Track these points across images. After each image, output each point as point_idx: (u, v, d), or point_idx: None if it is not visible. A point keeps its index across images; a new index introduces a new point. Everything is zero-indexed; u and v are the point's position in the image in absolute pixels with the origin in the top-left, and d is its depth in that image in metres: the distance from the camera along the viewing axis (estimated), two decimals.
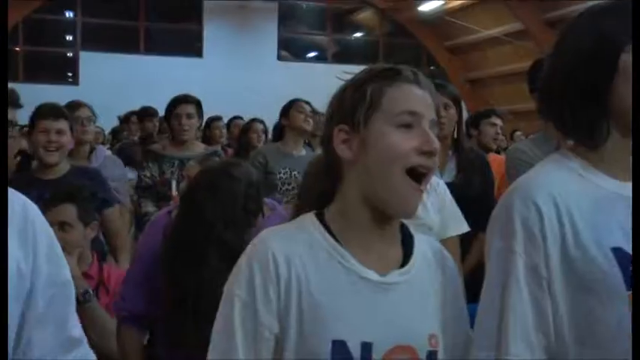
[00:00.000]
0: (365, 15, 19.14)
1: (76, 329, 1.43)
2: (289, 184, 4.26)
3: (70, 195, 2.86)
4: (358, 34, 19.64)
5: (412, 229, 1.48)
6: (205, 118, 7.16)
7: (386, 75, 1.39)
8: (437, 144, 1.35)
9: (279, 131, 4.66)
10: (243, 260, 1.37)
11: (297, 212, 1.52)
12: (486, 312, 1.36)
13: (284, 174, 4.32)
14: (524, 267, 1.31)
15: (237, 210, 2.34)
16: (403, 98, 1.36)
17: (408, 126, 1.35)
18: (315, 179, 1.52)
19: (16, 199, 1.36)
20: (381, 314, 1.34)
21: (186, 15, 17.70)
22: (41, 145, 3.45)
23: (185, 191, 2.59)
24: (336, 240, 1.38)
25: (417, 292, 1.39)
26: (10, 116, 1.21)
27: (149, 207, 4.33)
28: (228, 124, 7.54)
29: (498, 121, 5.22)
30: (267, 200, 2.62)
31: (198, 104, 4.50)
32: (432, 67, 18.48)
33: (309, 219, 1.42)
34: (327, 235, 1.38)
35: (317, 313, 1.31)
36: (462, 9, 16.35)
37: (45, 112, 3.56)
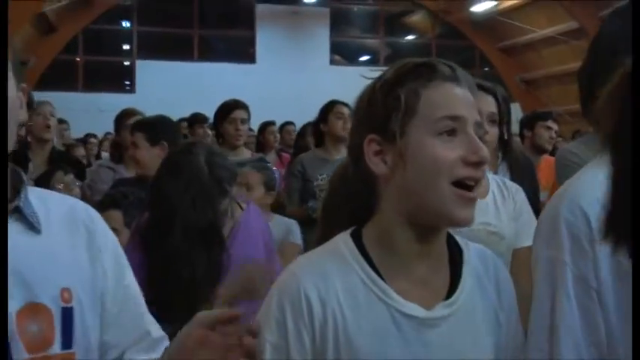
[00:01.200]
0: (417, 17, 19.04)
1: (154, 329, 1.40)
2: None
3: (116, 201, 2.91)
4: (410, 37, 19.54)
5: (460, 239, 1.34)
6: (259, 123, 7.26)
7: (420, 73, 1.24)
8: (485, 152, 1.20)
9: (319, 136, 4.60)
10: (273, 297, 1.23)
11: (323, 231, 1.37)
12: (537, 326, 1.28)
13: (322, 180, 4.26)
14: (573, 278, 1.22)
15: (204, 181, 2.38)
16: (442, 101, 1.21)
17: (450, 132, 1.20)
18: (344, 195, 1.34)
19: (79, 205, 1.37)
20: (427, 354, 1.20)
21: (239, 21, 17.89)
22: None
23: (152, 181, 2.63)
24: (376, 270, 1.23)
25: (466, 324, 1.25)
26: (22, 117, 1.23)
27: None
28: (280, 130, 7.59)
29: (554, 126, 5.13)
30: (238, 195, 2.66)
31: (248, 109, 4.53)
32: (485, 69, 18.28)
33: (345, 243, 1.27)
34: (365, 265, 1.23)
35: (356, 357, 1.19)
36: (515, 9, 16.12)
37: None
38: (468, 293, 1.27)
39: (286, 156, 6.46)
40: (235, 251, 2.40)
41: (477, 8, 16.51)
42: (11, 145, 1.18)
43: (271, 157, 5.97)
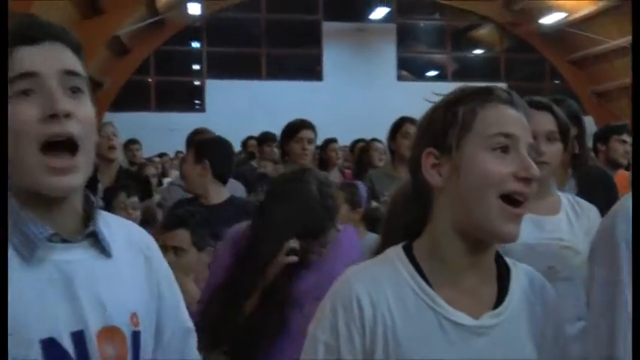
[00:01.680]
0: (484, 31, 18.86)
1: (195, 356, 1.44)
2: None
3: (183, 220, 2.93)
4: (478, 51, 19.37)
5: (508, 260, 1.37)
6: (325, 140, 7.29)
7: (478, 95, 1.30)
8: (536, 170, 1.25)
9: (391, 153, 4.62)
10: (327, 302, 1.31)
11: (383, 244, 1.43)
12: (595, 347, 1.26)
13: (388, 197, 4.21)
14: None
15: (317, 210, 2.29)
16: (497, 119, 1.27)
17: (504, 150, 1.25)
18: (402, 208, 1.42)
19: (136, 229, 1.40)
20: None
21: (306, 40, 18.07)
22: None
23: (258, 203, 2.56)
24: (425, 279, 1.28)
25: (512, 335, 1.28)
26: (95, 138, 1.25)
27: None
28: (352, 148, 7.58)
29: (630, 139, 4.98)
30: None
31: (315, 129, 4.51)
32: (555, 82, 17.94)
33: (396, 254, 1.33)
34: (415, 274, 1.29)
35: (404, 359, 1.24)
36: (585, 20, 15.79)
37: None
38: (515, 306, 1.30)
39: (348, 172, 6.47)
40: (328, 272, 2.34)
41: (546, 20, 16.24)
42: (91, 164, 1.22)
43: (334, 174, 5.97)
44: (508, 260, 1.37)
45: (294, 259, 2.27)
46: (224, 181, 3.58)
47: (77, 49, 1.22)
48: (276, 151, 6.69)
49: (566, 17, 15.91)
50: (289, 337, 2.19)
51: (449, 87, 1.40)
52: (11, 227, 1.16)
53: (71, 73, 1.18)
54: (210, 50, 17.61)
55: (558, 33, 16.74)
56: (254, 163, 6.54)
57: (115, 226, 1.31)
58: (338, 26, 17.63)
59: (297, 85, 16.98)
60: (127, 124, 4.63)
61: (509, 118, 1.28)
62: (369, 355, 1.25)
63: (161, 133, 13.44)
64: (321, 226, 2.29)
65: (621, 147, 4.91)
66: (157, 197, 5.05)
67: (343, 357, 1.25)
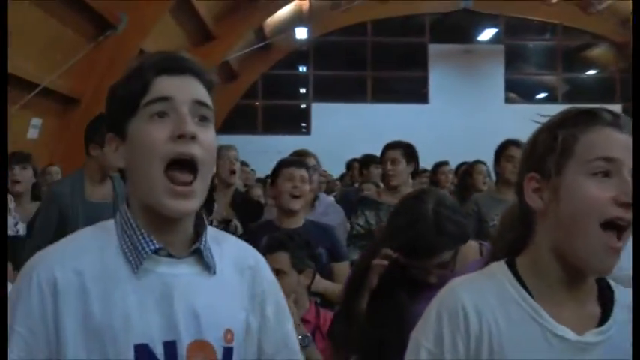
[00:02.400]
0: (598, 51, 18.25)
1: None
2: None
3: (284, 243, 2.96)
4: (591, 72, 18.75)
5: (612, 282, 1.34)
6: (432, 163, 7.22)
7: (580, 118, 1.28)
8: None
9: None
10: (432, 309, 1.33)
11: (491, 259, 1.45)
12: None
13: (497, 221, 4.14)
14: None
15: (424, 230, 2.19)
16: (599, 143, 1.24)
17: (605, 174, 1.23)
18: (509, 227, 1.43)
19: (250, 250, 1.46)
20: None
21: (412, 62, 18.02)
22: (286, 193, 3.52)
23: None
24: (529, 293, 1.29)
25: (617, 353, 1.26)
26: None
27: (355, 257, 4.00)
28: (456, 170, 7.47)
29: None
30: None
31: (406, 149, 4.42)
32: None
33: (500, 268, 1.35)
34: (518, 286, 1.30)
35: None
36: None
37: (290, 160, 3.77)
38: (620, 327, 1.28)
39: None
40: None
41: None
42: (206, 190, 1.30)
43: None
44: (611, 281, 1.35)
45: (383, 262, 2.26)
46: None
47: (210, 87, 1.33)
48: (378, 173, 6.68)
49: None
50: None
51: (558, 109, 1.37)
52: (124, 237, 1.28)
53: (201, 103, 1.30)
54: (317, 73, 17.85)
55: None
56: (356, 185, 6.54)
57: (226, 245, 1.40)
58: (444, 48, 17.51)
59: (403, 108, 16.95)
60: (235, 147, 4.75)
61: (612, 142, 1.24)
62: None
63: (268, 155, 13.69)
64: (429, 244, 2.20)
65: None
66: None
67: None
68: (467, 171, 6.07)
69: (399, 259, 2.24)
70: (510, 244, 1.38)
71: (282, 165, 3.66)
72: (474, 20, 17.26)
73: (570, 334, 1.25)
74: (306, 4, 15.57)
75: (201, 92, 1.30)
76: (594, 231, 1.21)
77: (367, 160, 6.74)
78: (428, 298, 2.23)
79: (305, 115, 17.76)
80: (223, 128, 15.51)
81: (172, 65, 1.30)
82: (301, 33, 15.44)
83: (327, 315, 3.01)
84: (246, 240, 1.52)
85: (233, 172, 4.56)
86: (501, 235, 1.47)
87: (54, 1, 8.31)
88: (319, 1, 15.65)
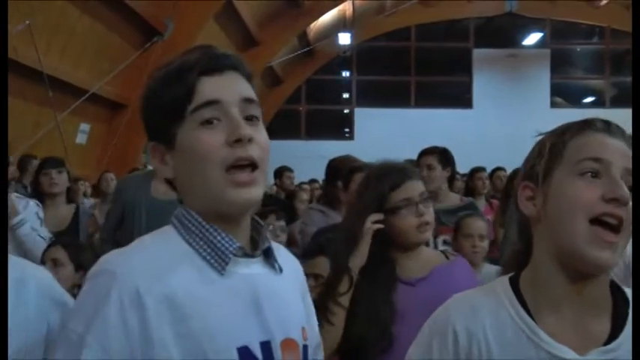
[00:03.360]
0: None
1: None
2: None
3: (323, 248, 2.97)
4: None
5: (628, 291, 1.27)
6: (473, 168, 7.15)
7: (573, 127, 1.28)
8: (625, 191, 1.18)
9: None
10: (425, 327, 1.33)
11: (502, 273, 1.42)
12: None
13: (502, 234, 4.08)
14: None
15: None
16: (588, 145, 1.24)
17: (594, 175, 1.21)
18: (515, 240, 1.42)
19: (285, 250, 1.46)
20: None
21: (456, 67, 17.92)
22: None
23: None
24: (527, 310, 1.25)
25: None
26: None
27: None
28: (491, 175, 7.38)
29: None
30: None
31: (442, 154, 4.41)
32: None
33: (501, 284, 1.31)
34: (516, 303, 1.26)
35: None
36: None
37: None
38: (631, 345, 1.20)
39: (495, 202, 6.27)
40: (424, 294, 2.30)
41: None
42: (266, 181, 1.30)
43: (480, 203, 5.80)
44: (628, 292, 1.28)
45: (379, 226, 2.30)
46: None
47: (249, 78, 1.31)
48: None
49: None
50: (393, 353, 2.18)
51: (606, 114, 1.38)
52: (196, 240, 1.24)
53: (249, 100, 1.26)
54: (360, 79, 17.87)
55: None
56: None
57: (276, 247, 1.39)
58: (489, 53, 17.37)
59: (446, 113, 16.85)
60: (279, 151, 4.76)
61: (602, 144, 1.24)
62: None
63: (311, 160, 13.76)
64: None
65: None
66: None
67: None
68: (511, 177, 6.00)
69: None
70: (512, 258, 1.38)
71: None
72: (519, 24, 17.10)
73: (570, 354, 1.19)
74: (349, 9, 15.60)
75: (245, 88, 1.27)
76: (582, 226, 1.19)
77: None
78: (409, 291, 2.28)
79: (348, 120, 17.78)
80: (267, 133, 15.62)
81: (213, 65, 1.25)
82: (344, 38, 15.50)
83: None
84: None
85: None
86: (506, 249, 1.45)
87: (102, 8, 8.48)
88: (363, 2, 15.65)
